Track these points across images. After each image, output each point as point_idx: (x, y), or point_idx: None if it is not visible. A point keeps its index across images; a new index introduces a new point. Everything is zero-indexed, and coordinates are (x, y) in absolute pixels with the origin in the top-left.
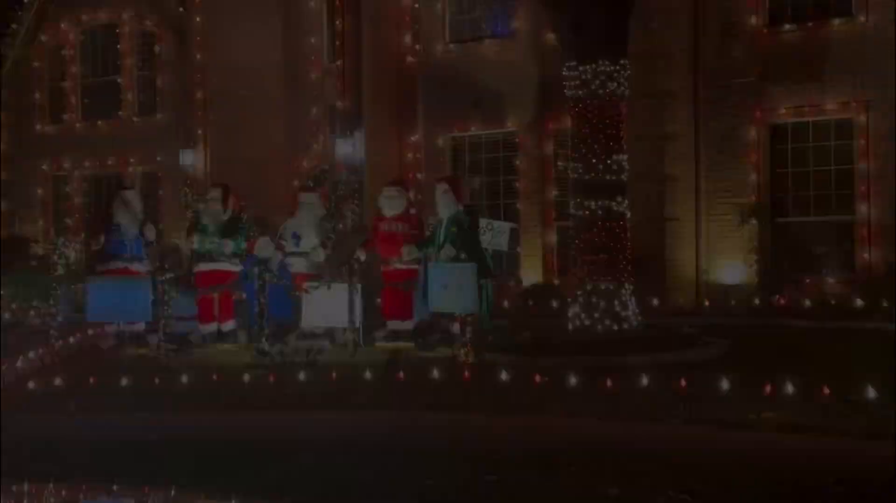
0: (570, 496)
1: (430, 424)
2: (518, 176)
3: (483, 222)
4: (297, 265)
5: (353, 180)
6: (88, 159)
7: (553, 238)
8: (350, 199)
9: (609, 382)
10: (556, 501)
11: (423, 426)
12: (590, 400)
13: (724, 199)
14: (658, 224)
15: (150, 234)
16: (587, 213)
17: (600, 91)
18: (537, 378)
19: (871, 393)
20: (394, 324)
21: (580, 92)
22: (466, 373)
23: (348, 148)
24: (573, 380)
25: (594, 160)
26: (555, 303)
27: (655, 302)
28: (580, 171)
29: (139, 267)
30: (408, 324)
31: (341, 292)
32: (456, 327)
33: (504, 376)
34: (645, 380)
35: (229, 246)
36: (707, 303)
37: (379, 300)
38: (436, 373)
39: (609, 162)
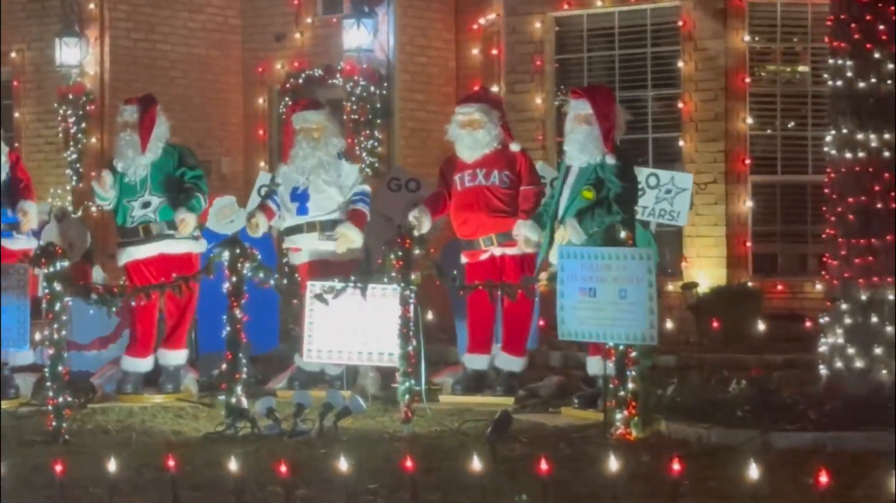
0: None
1: None
2: (680, 86)
3: (649, 174)
4: (303, 248)
5: (374, 99)
6: None
7: (745, 205)
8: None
9: None
10: None
11: None
12: None
13: None
14: None
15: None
16: (864, 156)
17: None
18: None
19: None
20: (476, 362)
21: None
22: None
23: (363, 38)
24: None
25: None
26: (759, 323)
27: None
28: (844, 73)
29: (20, 242)
30: (515, 364)
31: (384, 302)
32: (595, 366)
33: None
34: None
35: (182, 213)
36: None
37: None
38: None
39: None
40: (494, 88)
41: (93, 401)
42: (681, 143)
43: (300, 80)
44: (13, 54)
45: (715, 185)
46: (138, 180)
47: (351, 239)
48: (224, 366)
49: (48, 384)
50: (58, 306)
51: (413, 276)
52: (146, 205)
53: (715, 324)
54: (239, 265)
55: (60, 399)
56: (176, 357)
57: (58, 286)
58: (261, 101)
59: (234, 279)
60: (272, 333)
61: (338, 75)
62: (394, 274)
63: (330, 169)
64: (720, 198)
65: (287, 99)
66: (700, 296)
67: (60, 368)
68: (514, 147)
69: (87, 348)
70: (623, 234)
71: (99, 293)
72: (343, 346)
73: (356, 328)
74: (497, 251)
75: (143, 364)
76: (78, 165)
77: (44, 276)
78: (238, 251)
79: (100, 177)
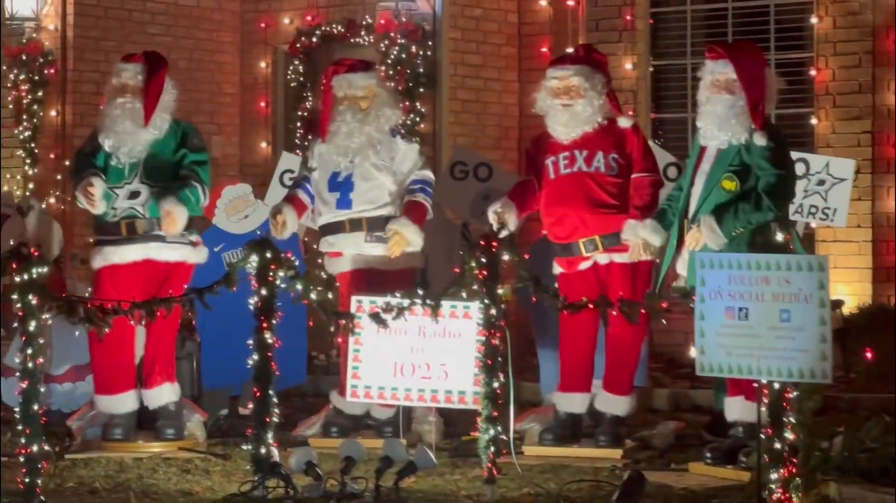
0: None
1: None
2: (813, 49)
3: (796, 159)
4: (345, 253)
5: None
6: None
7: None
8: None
9: None
10: None
11: None
12: None
13: None
14: None
15: None
16: None
17: None
18: None
19: None
20: (572, 403)
21: None
22: None
23: None
24: None
25: None
26: None
27: None
28: None
29: None
30: (620, 406)
31: (455, 325)
32: (737, 409)
33: None
34: None
35: (168, 204)
36: None
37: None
38: None
39: None
40: (571, 50)
41: (71, 451)
42: (813, 121)
43: (314, 39)
44: None
45: (858, 176)
46: (128, 163)
47: (407, 240)
48: (245, 404)
49: (18, 428)
50: (33, 326)
51: (501, 291)
52: (134, 195)
53: (868, 355)
54: (271, 274)
55: (36, 448)
56: (166, 394)
57: (33, 299)
58: (263, 65)
59: (263, 292)
60: (299, 364)
61: (362, 32)
62: (475, 287)
63: (381, 149)
64: (864, 192)
65: (297, 62)
66: (846, 317)
67: (35, 407)
68: (625, 122)
69: (59, 380)
70: (780, 236)
71: (88, 309)
72: (399, 383)
73: (417, 359)
74: (602, 258)
75: (125, 402)
76: (33, 145)
77: (15, 287)
78: (269, 256)
79: (84, 188)
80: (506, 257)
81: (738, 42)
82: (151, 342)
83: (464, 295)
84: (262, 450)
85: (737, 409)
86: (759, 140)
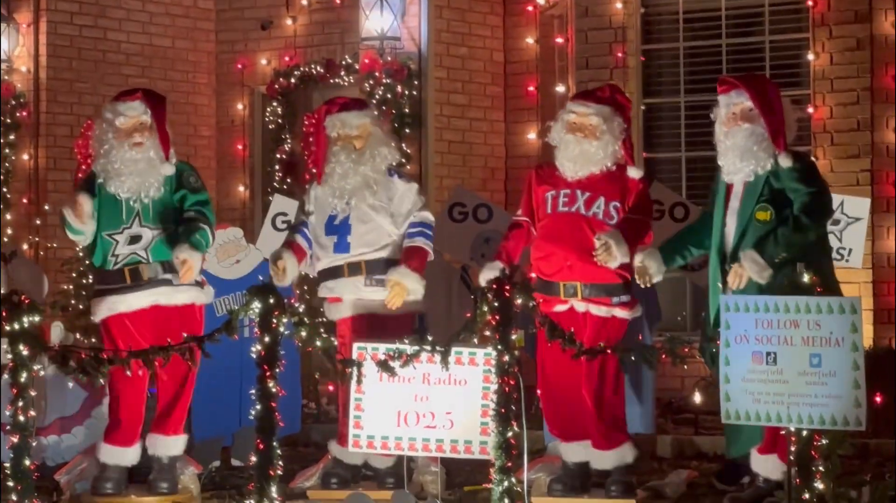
0: None
1: None
2: (810, 86)
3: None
4: (344, 298)
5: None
6: None
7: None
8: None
9: None
10: None
11: None
12: None
13: None
14: None
15: None
16: None
17: None
18: None
19: None
20: (576, 452)
21: None
22: None
23: (386, 23)
24: None
25: None
26: None
27: None
28: None
29: None
30: (622, 456)
31: (461, 372)
32: (770, 467)
33: None
34: None
35: (183, 252)
36: None
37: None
38: None
39: None
40: (560, 88)
41: None
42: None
43: (292, 80)
44: None
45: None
46: (125, 206)
47: (407, 289)
48: (240, 455)
49: (9, 484)
50: (24, 377)
51: (514, 336)
52: (135, 239)
53: (877, 399)
54: (274, 320)
55: None
56: (173, 445)
57: (24, 350)
58: (240, 106)
59: (267, 339)
60: (293, 413)
61: (342, 72)
62: (487, 332)
63: (378, 189)
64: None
65: (275, 103)
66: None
67: (27, 462)
68: (634, 173)
69: (44, 432)
70: (806, 278)
71: (82, 359)
72: (404, 432)
73: (421, 407)
74: (579, 306)
75: (128, 455)
76: (4, 189)
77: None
78: (273, 301)
79: (73, 202)
80: (519, 301)
81: (748, 73)
82: (171, 389)
83: (475, 341)
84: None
85: (767, 467)
86: (785, 162)
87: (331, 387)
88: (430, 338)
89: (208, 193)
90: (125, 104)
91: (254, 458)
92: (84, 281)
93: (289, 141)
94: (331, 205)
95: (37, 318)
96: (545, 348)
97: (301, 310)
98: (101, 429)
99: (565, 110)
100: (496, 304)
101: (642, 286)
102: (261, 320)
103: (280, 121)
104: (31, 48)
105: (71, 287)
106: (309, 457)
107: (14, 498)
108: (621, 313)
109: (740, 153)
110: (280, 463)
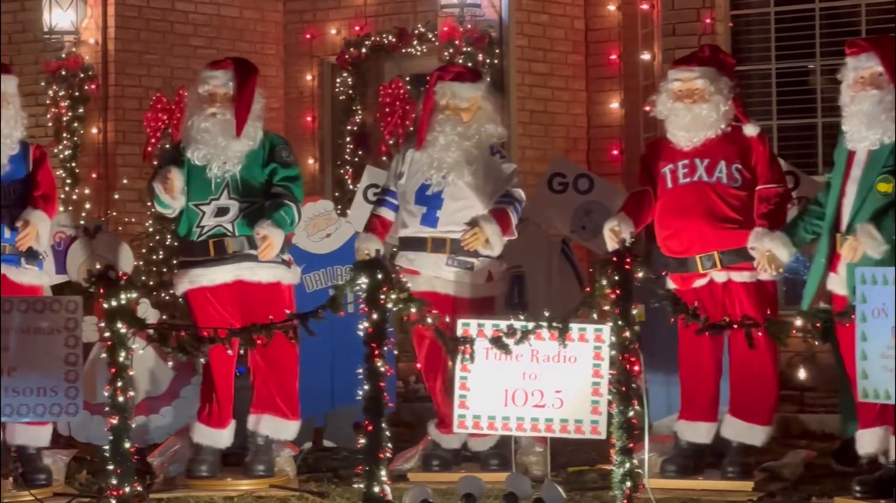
0: None
1: None
2: None
3: None
4: (423, 272)
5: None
6: None
7: None
8: None
9: None
10: None
11: None
12: None
13: None
14: None
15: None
16: None
17: None
18: None
19: None
20: (695, 432)
21: None
22: None
23: None
24: None
25: None
26: None
27: None
28: None
29: (24, 273)
30: (752, 435)
31: (572, 349)
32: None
33: None
34: None
35: (264, 228)
36: None
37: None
38: None
39: None
40: (645, 56)
41: (153, 490)
42: None
43: (363, 50)
44: None
45: None
46: (214, 178)
47: (487, 237)
48: (331, 437)
49: (110, 468)
50: (122, 356)
51: (635, 311)
52: (222, 211)
53: None
54: (382, 296)
55: (128, 489)
56: (285, 428)
57: (122, 327)
58: (308, 77)
59: (374, 317)
60: (389, 391)
61: (414, 41)
62: (606, 307)
63: (477, 168)
64: None
65: (345, 74)
66: None
67: (127, 445)
68: (750, 130)
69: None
70: None
71: (181, 337)
72: (511, 412)
73: (529, 386)
74: (719, 276)
75: (224, 436)
76: (73, 164)
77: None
78: (381, 277)
79: (163, 176)
80: (640, 275)
81: (877, 35)
82: (267, 368)
83: (594, 316)
84: (376, 489)
85: (873, 441)
86: None
87: (418, 366)
88: (546, 313)
89: (299, 169)
90: (210, 72)
91: (362, 440)
92: (153, 256)
93: (360, 112)
94: (427, 174)
95: (134, 295)
96: (681, 325)
97: (408, 286)
98: (190, 410)
99: (667, 80)
100: (616, 278)
101: (769, 276)
102: (368, 296)
103: (350, 92)
104: (99, 20)
105: (142, 263)
106: (400, 438)
107: (114, 482)
108: (765, 276)
109: (867, 120)
110: (389, 445)
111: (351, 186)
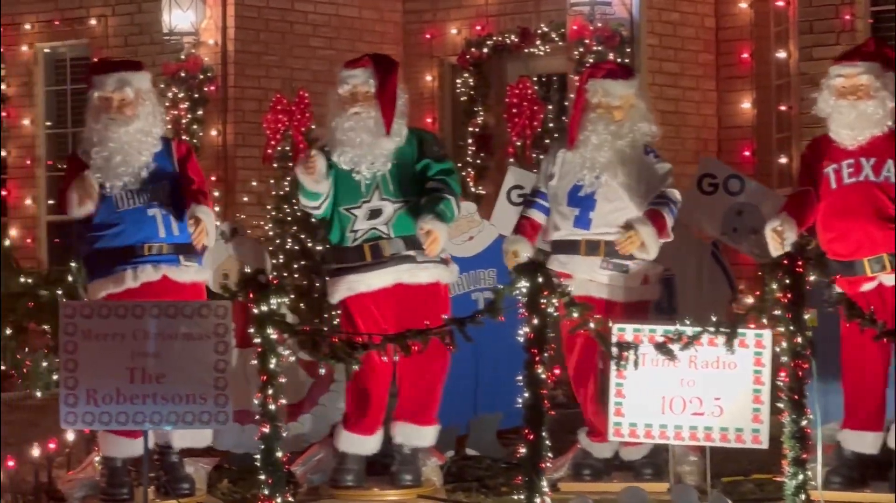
0: None
1: None
2: None
3: None
4: (576, 276)
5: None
6: None
7: None
8: None
9: None
10: None
11: None
12: None
13: None
14: None
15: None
16: None
17: None
18: None
19: None
20: (864, 442)
21: None
22: None
23: None
24: None
25: None
26: None
27: None
28: None
29: (185, 271)
30: None
31: (736, 356)
32: None
33: None
34: None
35: (428, 222)
36: None
37: None
38: None
39: None
40: (780, 55)
41: (297, 500)
42: None
43: (484, 50)
44: (93, 21)
45: None
46: (363, 179)
47: (641, 240)
48: (474, 445)
49: (261, 477)
50: (272, 363)
51: (807, 316)
52: (374, 213)
53: None
54: (543, 301)
55: (279, 499)
56: (425, 435)
57: (273, 333)
58: (429, 78)
59: (535, 322)
60: None
61: (537, 41)
62: (777, 312)
63: (631, 168)
64: None
65: (466, 74)
66: None
67: (279, 454)
68: None
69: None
70: None
71: (333, 344)
72: (669, 420)
73: (687, 393)
74: (889, 279)
75: (370, 444)
76: None
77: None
78: (542, 280)
79: (306, 161)
80: (812, 278)
81: None
82: (416, 375)
83: (765, 321)
84: (537, 500)
85: None
86: None
87: (556, 371)
88: (713, 317)
89: (453, 163)
90: (349, 72)
91: (522, 450)
92: (273, 261)
93: (481, 113)
94: (578, 174)
95: (285, 300)
96: (846, 330)
97: (570, 290)
98: (329, 418)
99: (829, 76)
100: (787, 282)
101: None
102: (528, 300)
103: (472, 92)
104: (218, 21)
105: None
106: None
107: (265, 492)
108: None
109: None
110: (549, 454)
111: (473, 189)
